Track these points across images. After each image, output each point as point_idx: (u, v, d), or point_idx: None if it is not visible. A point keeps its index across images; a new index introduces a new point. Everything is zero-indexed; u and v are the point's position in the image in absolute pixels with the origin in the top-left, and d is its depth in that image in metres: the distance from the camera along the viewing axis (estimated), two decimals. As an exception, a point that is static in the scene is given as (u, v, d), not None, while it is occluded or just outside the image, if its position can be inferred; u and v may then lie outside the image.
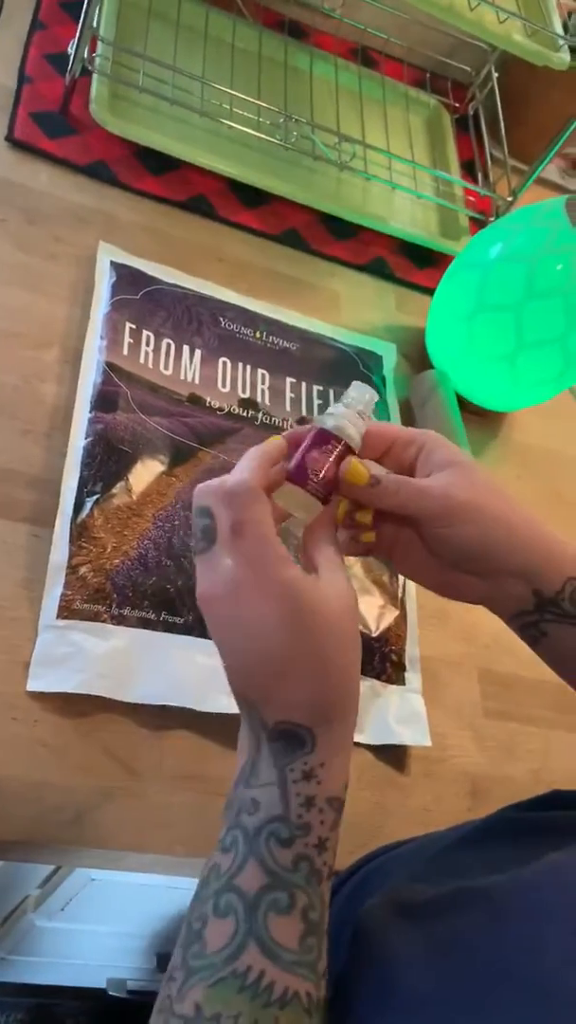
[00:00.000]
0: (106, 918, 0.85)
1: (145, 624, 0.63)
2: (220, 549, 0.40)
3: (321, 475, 0.44)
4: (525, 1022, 0.31)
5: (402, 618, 0.73)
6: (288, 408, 0.81)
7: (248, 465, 0.41)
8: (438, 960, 0.36)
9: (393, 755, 0.68)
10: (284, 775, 0.38)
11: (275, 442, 0.45)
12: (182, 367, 0.77)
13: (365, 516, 0.46)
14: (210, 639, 0.64)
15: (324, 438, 0.45)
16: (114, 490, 0.66)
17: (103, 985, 1.03)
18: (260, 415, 0.79)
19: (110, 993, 1.02)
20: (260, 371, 0.81)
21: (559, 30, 0.89)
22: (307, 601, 0.39)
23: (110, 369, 0.72)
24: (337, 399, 0.84)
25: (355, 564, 0.73)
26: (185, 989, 0.35)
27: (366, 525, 0.47)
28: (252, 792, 0.39)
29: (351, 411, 0.46)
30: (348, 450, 0.45)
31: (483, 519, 0.44)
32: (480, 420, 0.91)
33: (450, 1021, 0.33)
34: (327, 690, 0.39)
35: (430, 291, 0.91)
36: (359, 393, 0.47)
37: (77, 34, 0.82)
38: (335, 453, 0.45)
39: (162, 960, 0.92)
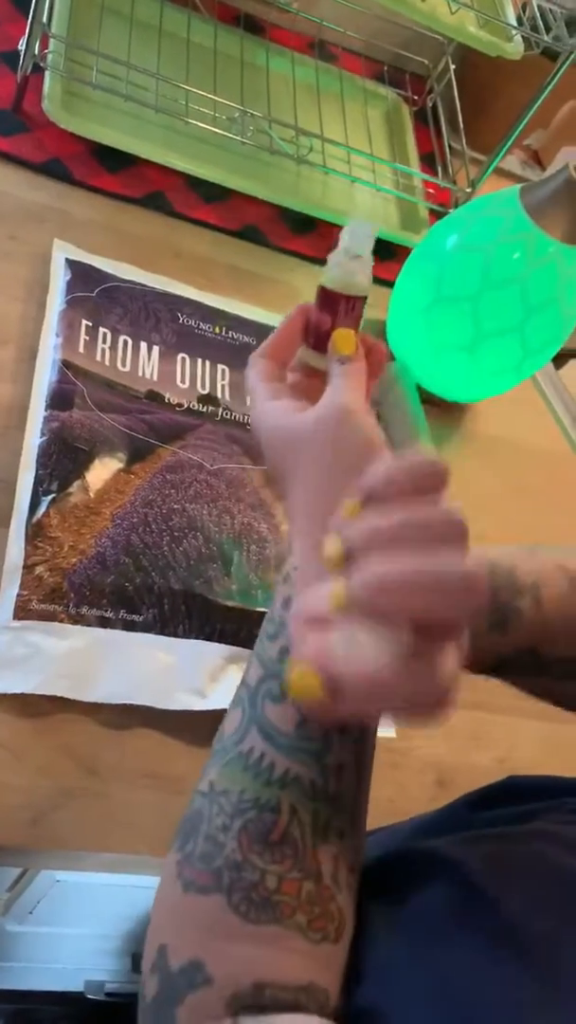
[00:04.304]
0: (77, 920, 0.85)
1: (104, 623, 0.62)
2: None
3: (319, 333, 0.46)
4: (489, 963, 0.32)
5: (365, 610, 0.73)
6: (249, 403, 0.80)
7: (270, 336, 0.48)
8: (403, 930, 0.37)
9: (358, 747, 0.68)
10: (277, 581, 0.43)
11: (293, 309, 0.48)
12: (140, 363, 0.76)
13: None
14: (169, 636, 0.64)
15: (321, 295, 0.46)
16: (71, 489, 0.66)
17: (81, 988, 1.03)
18: (220, 411, 0.78)
19: (88, 996, 1.02)
20: (220, 366, 0.81)
21: (512, 20, 0.89)
22: (268, 420, 0.44)
23: (66, 367, 0.71)
24: None
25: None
26: (206, 770, 0.39)
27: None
28: None
29: (346, 258, 0.46)
30: (338, 299, 0.46)
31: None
32: (442, 411, 0.91)
33: (419, 988, 0.34)
34: (274, 471, 0.44)
35: (391, 284, 0.90)
36: (351, 235, 0.46)
37: (27, 30, 0.81)
38: (328, 308, 0.46)
39: (137, 961, 0.91)
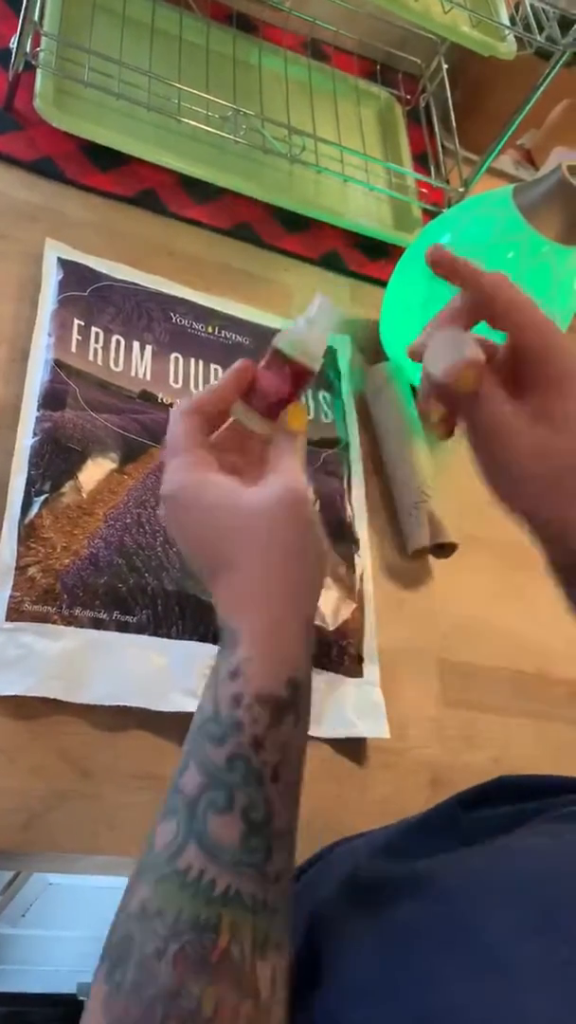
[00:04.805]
0: (69, 923, 0.84)
1: (97, 624, 0.62)
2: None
3: (268, 397, 0.44)
4: (473, 991, 0.31)
5: (359, 611, 0.73)
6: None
7: (204, 390, 0.46)
8: (383, 946, 0.36)
9: (351, 748, 0.68)
10: (216, 677, 0.39)
11: (238, 365, 0.46)
12: (132, 363, 0.76)
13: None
14: (162, 637, 0.64)
15: (278, 360, 0.45)
16: (63, 489, 0.65)
17: (74, 991, 1.02)
18: (213, 410, 0.78)
19: (81, 998, 1.01)
20: (213, 366, 0.81)
21: (505, 20, 0.89)
22: (204, 497, 0.42)
23: (58, 366, 0.71)
24: None
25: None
26: (133, 887, 0.36)
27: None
28: (201, 700, 0.40)
29: (311, 329, 0.45)
30: (300, 370, 0.44)
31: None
32: (436, 411, 0.91)
33: (395, 1003, 0.33)
34: (209, 553, 0.42)
35: (383, 283, 0.90)
36: (320, 309, 0.45)
37: (18, 28, 0.81)
38: (288, 376, 0.45)
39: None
